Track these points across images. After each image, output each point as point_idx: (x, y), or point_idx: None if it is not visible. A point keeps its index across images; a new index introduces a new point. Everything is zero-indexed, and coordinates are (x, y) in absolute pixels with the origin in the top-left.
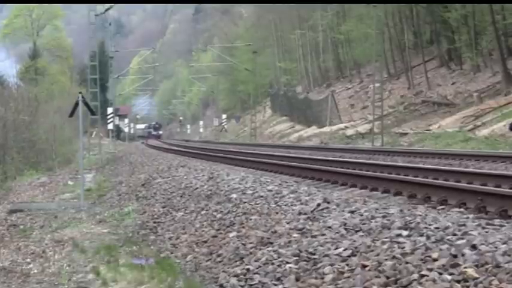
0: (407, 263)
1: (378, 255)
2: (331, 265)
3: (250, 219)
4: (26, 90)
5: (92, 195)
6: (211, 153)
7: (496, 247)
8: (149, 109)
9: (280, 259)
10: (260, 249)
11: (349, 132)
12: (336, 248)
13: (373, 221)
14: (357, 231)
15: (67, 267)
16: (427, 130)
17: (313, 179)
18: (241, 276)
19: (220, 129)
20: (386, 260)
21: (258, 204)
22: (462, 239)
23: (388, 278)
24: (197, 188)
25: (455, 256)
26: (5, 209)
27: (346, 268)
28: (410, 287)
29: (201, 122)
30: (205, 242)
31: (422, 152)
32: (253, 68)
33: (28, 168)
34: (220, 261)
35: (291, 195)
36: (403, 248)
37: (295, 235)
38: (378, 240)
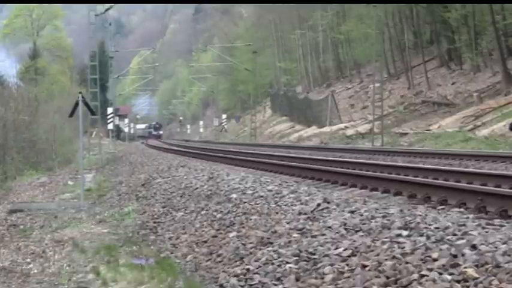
0: (407, 263)
1: (378, 255)
2: (331, 265)
3: (250, 219)
4: (26, 90)
5: (92, 195)
6: (211, 153)
7: (496, 247)
8: (149, 109)
9: (280, 259)
10: (260, 249)
11: (349, 132)
12: (336, 248)
13: (373, 221)
14: (357, 231)
15: (67, 267)
16: (427, 130)
17: (313, 179)
18: (241, 276)
19: (220, 129)
20: (386, 260)
21: (258, 204)
22: (462, 239)
23: (388, 278)
24: (197, 188)
25: (455, 256)
26: (5, 209)
27: (346, 268)
28: (410, 287)
29: (201, 122)
30: (205, 242)
31: (422, 152)
32: (253, 68)
33: (28, 168)
34: (220, 261)
35: (291, 195)
36: (403, 248)
37: (295, 235)
38: (378, 240)
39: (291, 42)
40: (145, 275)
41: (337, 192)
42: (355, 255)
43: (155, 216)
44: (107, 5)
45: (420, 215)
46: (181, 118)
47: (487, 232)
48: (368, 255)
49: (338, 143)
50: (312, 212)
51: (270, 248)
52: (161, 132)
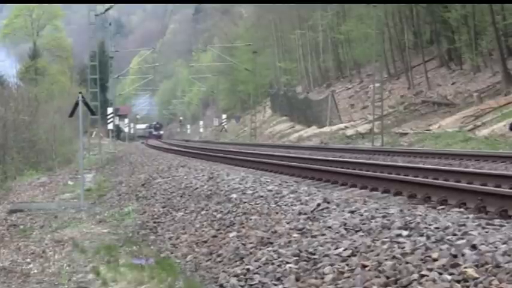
0: (407, 263)
1: (378, 255)
2: (331, 265)
3: (250, 219)
4: (26, 90)
5: (92, 195)
6: (211, 153)
7: (496, 247)
8: (149, 109)
9: (280, 259)
10: (260, 249)
11: (349, 132)
12: (336, 248)
13: (373, 221)
14: (357, 231)
15: (67, 267)
16: (427, 130)
17: (313, 179)
18: (241, 276)
19: (220, 129)
20: (386, 260)
21: (258, 204)
22: (462, 239)
23: (388, 278)
24: (197, 188)
25: (455, 256)
26: (5, 209)
27: (346, 268)
28: (410, 287)
29: (201, 122)
30: (205, 242)
31: (422, 152)
32: (253, 68)
33: (28, 168)
34: (220, 261)
35: (291, 195)
36: (403, 248)
37: (295, 235)
38: (378, 240)
39: (291, 42)
40: (145, 275)
41: (337, 192)
42: (355, 255)
43: (155, 216)
44: (107, 5)
45: (420, 215)
46: (181, 118)
47: (487, 232)
48: (368, 255)
49: (338, 143)
50: (312, 212)
51: (270, 248)
52: (162, 132)
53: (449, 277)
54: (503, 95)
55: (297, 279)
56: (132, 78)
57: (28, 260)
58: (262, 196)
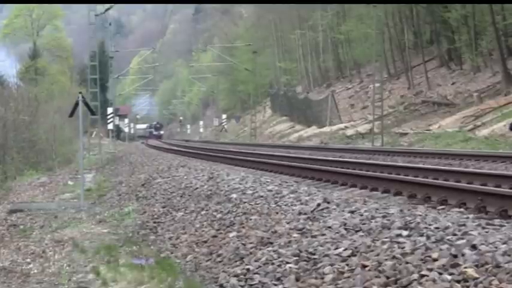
0: (407, 263)
1: (378, 255)
2: (331, 265)
3: (250, 219)
4: (26, 90)
5: (92, 195)
6: (211, 153)
7: (496, 247)
8: (149, 109)
9: (280, 259)
10: (260, 249)
11: (349, 132)
12: (336, 248)
13: (373, 221)
14: (357, 231)
15: (67, 267)
16: (427, 130)
17: (313, 179)
18: (241, 276)
19: (220, 129)
20: (386, 260)
21: (258, 204)
22: (462, 239)
23: (388, 278)
24: (197, 188)
25: (455, 256)
26: (5, 209)
27: (346, 268)
28: (410, 287)
29: (201, 122)
30: (205, 242)
31: (422, 152)
32: (253, 68)
33: (28, 168)
34: (220, 261)
35: (291, 195)
36: (403, 248)
37: (295, 235)
38: (378, 240)
39: (291, 42)
40: (145, 275)
41: (337, 192)
42: (355, 255)
43: (155, 216)
44: (107, 5)
45: (420, 215)
46: (181, 118)
47: (487, 232)
48: (368, 255)
49: (338, 143)
50: (312, 212)
51: (270, 248)
52: (162, 132)
53: (449, 277)
54: (503, 95)
55: (297, 279)
56: (132, 78)
57: (28, 260)
58: (262, 196)
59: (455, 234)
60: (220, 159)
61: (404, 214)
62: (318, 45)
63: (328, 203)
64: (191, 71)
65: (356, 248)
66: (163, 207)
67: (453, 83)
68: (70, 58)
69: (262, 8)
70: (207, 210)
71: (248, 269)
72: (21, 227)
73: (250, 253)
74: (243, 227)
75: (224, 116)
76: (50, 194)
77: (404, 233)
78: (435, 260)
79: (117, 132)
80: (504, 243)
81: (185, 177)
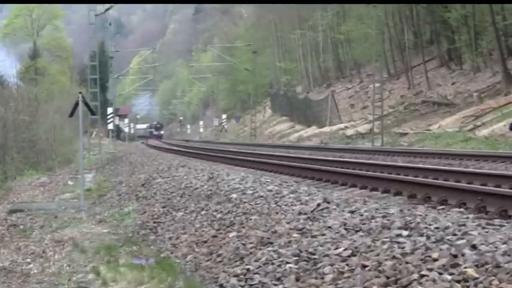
0: (407, 263)
1: (378, 255)
2: (331, 265)
3: (250, 219)
4: (26, 90)
5: (92, 195)
6: (211, 153)
7: (496, 247)
8: (149, 109)
9: (280, 259)
10: (260, 249)
11: (349, 132)
12: (336, 248)
13: (373, 221)
14: (357, 231)
15: (67, 267)
16: (427, 130)
17: (313, 179)
18: (241, 276)
19: (220, 129)
20: (386, 260)
21: (258, 204)
22: (462, 239)
23: (388, 278)
24: (197, 188)
25: (455, 256)
26: (5, 209)
27: (346, 268)
28: (411, 287)
29: (201, 122)
30: (205, 242)
31: (422, 152)
32: (253, 68)
33: (28, 168)
34: (220, 261)
35: (291, 195)
36: (403, 248)
37: (295, 235)
38: (378, 240)
39: (291, 42)
40: (145, 275)
41: (337, 192)
42: (355, 255)
43: (155, 216)
44: (107, 5)
45: (420, 215)
46: (181, 118)
47: (487, 232)
48: (368, 255)
49: (338, 143)
50: (312, 212)
51: (270, 248)
52: (162, 132)
53: (449, 277)
54: (503, 95)
55: (297, 279)
56: (132, 78)
57: (28, 260)
58: (262, 196)
59: (455, 234)
60: (220, 159)
61: (404, 214)
62: (318, 45)
63: (328, 203)
64: (191, 71)
65: (356, 248)
66: (163, 207)
67: (453, 83)
68: (70, 58)
69: (262, 8)
70: (207, 210)
71: (248, 269)
72: (21, 227)
73: (250, 253)
74: (243, 227)
75: (224, 116)
76: (50, 194)
77: (405, 233)
78: (435, 260)
79: (117, 132)
80: (504, 243)
81: (185, 177)
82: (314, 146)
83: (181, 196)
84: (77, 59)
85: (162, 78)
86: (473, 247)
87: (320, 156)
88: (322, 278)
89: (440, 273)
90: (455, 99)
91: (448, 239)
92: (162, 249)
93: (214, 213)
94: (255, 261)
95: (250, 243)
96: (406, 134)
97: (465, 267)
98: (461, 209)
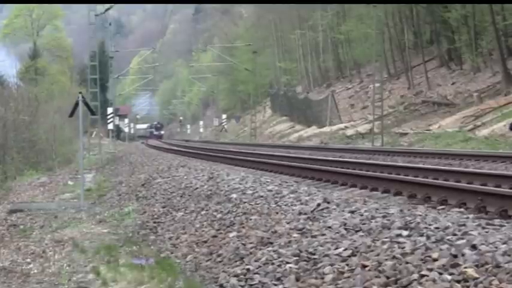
0: (407, 263)
1: (378, 255)
2: (331, 265)
3: (250, 219)
4: (26, 90)
5: (92, 195)
6: (211, 153)
7: (496, 247)
8: (149, 109)
9: (280, 259)
10: (260, 249)
11: (349, 132)
12: (336, 248)
13: (373, 221)
14: (357, 231)
15: (67, 267)
16: (427, 130)
17: (313, 179)
18: (241, 276)
19: (220, 129)
20: (386, 260)
21: (258, 204)
22: (462, 239)
23: (388, 278)
24: (197, 188)
25: (455, 256)
26: (5, 209)
27: (346, 268)
28: (411, 287)
29: (201, 122)
30: (205, 242)
31: (422, 152)
32: (253, 68)
33: (28, 168)
34: (220, 261)
35: (291, 195)
36: (403, 248)
37: (295, 235)
38: (378, 240)
39: (291, 42)
40: (145, 275)
41: (337, 192)
42: (355, 255)
43: (155, 216)
44: (107, 5)
45: (420, 215)
46: (181, 118)
47: (487, 232)
48: (368, 255)
49: (338, 143)
50: (312, 212)
51: (270, 248)
52: (162, 132)
53: (449, 277)
54: (503, 95)
55: (297, 279)
56: (132, 78)
57: (28, 260)
58: (262, 196)
59: (455, 234)
60: (220, 159)
61: (404, 214)
62: (318, 45)
63: (328, 203)
64: (191, 71)
65: (356, 248)
66: (163, 207)
67: (453, 83)
68: (70, 58)
69: (262, 8)
70: (207, 210)
71: (248, 269)
72: (21, 227)
73: (250, 253)
74: (243, 227)
75: (224, 116)
76: (50, 194)
77: (405, 233)
78: (435, 260)
79: (117, 132)
80: (504, 243)
81: (185, 177)
82: (314, 146)
83: (181, 196)
84: (77, 59)
85: (162, 78)
86: (473, 247)
87: (320, 156)
88: (322, 278)
89: (440, 273)
90: (455, 99)
91: (448, 239)
92: (162, 249)
93: (214, 213)
94: (255, 261)
95: (250, 243)
96: (406, 134)
97: (465, 267)
98: (461, 209)
